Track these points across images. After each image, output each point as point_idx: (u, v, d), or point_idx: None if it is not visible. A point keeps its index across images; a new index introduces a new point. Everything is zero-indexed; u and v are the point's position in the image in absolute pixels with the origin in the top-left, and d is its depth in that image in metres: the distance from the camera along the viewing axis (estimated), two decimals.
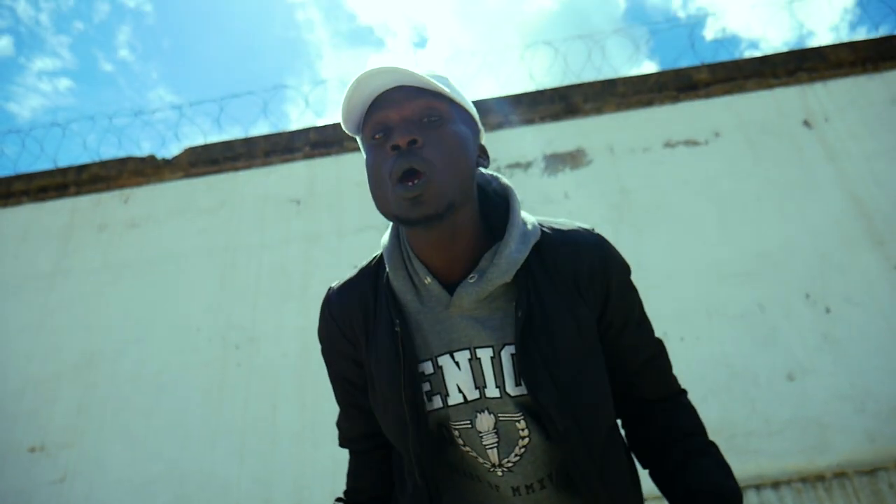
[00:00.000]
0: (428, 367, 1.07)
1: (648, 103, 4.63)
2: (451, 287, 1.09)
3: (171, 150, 4.82)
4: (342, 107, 1.06)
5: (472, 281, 1.06)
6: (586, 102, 4.64)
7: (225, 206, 4.61)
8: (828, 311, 3.63)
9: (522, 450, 1.07)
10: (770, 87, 4.56)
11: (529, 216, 1.16)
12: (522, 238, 1.09)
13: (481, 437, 1.06)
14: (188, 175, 4.79)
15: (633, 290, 1.21)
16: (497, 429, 1.06)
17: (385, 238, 1.19)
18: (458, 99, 1.09)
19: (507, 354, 1.05)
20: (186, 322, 4.16)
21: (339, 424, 1.34)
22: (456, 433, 1.08)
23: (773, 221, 3.97)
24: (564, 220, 1.21)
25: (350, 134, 1.20)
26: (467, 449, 1.09)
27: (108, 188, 4.81)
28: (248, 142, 4.86)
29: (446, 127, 1.04)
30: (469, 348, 1.06)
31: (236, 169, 4.78)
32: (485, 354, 1.06)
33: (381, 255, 1.20)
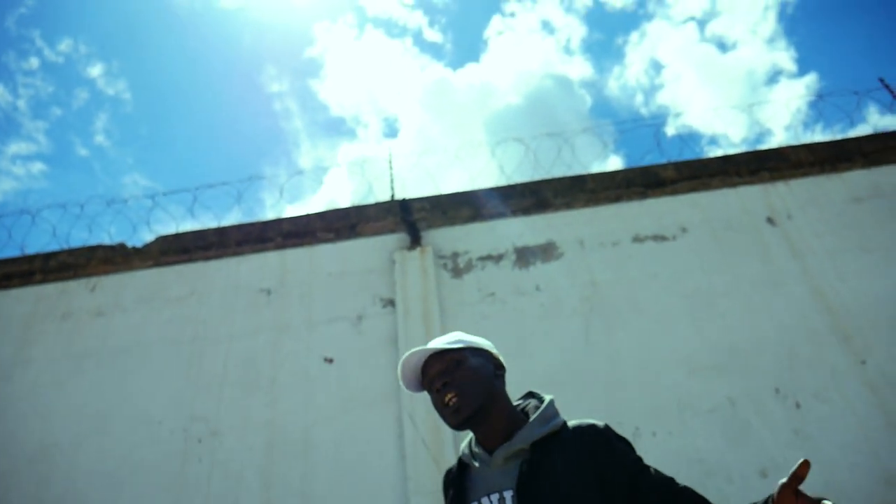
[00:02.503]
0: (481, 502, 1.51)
1: (617, 199, 4.74)
2: (492, 452, 1.56)
3: (143, 238, 4.80)
4: (400, 374, 1.63)
5: (503, 447, 1.52)
6: (556, 197, 4.74)
7: (194, 296, 4.56)
8: (798, 406, 3.62)
9: None
10: (734, 185, 4.70)
11: (560, 417, 1.59)
12: (542, 421, 1.55)
13: None
14: (158, 264, 4.75)
15: (629, 446, 1.55)
16: None
17: (463, 443, 1.72)
18: (470, 345, 1.64)
19: (509, 495, 1.45)
20: (147, 414, 4.03)
21: None
22: None
23: (742, 316, 4.01)
24: (584, 419, 1.60)
25: (410, 391, 1.69)
26: None
27: (76, 276, 4.75)
28: (221, 231, 4.86)
29: (464, 364, 1.58)
30: (499, 492, 1.47)
31: (207, 258, 4.75)
32: (508, 496, 1.45)
33: None
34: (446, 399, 1.54)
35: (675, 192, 4.73)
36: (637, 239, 4.47)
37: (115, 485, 3.78)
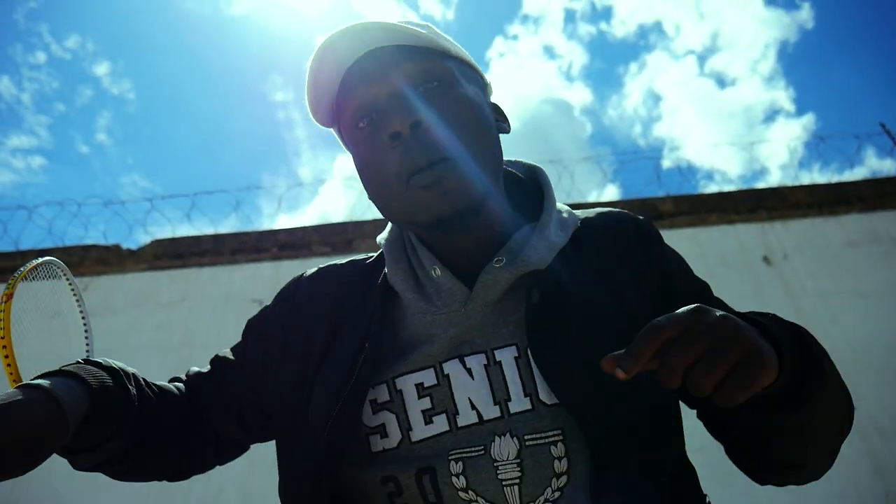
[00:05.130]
0: (429, 378, 0.79)
1: None
2: (466, 279, 0.85)
3: (138, 241, 4.78)
4: (307, 90, 0.86)
5: (498, 265, 0.83)
6: None
7: (185, 302, 4.53)
8: None
9: (558, 493, 0.73)
10: (732, 222, 4.71)
11: (562, 204, 0.97)
12: (561, 224, 0.91)
13: (497, 469, 0.73)
14: (152, 267, 4.73)
15: (680, 259, 1.02)
16: (521, 458, 0.74)
17: (384, 233, 1.00)
18: (454, 51, 0.88)
19: (509, 355, 0.80)
20: None
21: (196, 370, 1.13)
22: (455, 473, 0.74)
23: None
24: (597, 208, 1.01)
25: (323, 126, 0.93)
26: (470, 496, 0.74)
27: None
28: (217, 238, 4.84)
29: (452, 92, 0.83)
30: (485, 351, 0.80)
31: (201, 265, 4.73)
32: (506, 355, 0.79)
33: (380, 252, 0.99)
34: (418, 165, 0.78)
35: (672, 226, 4.73)
36: None
37: (94, 488, 3.72)
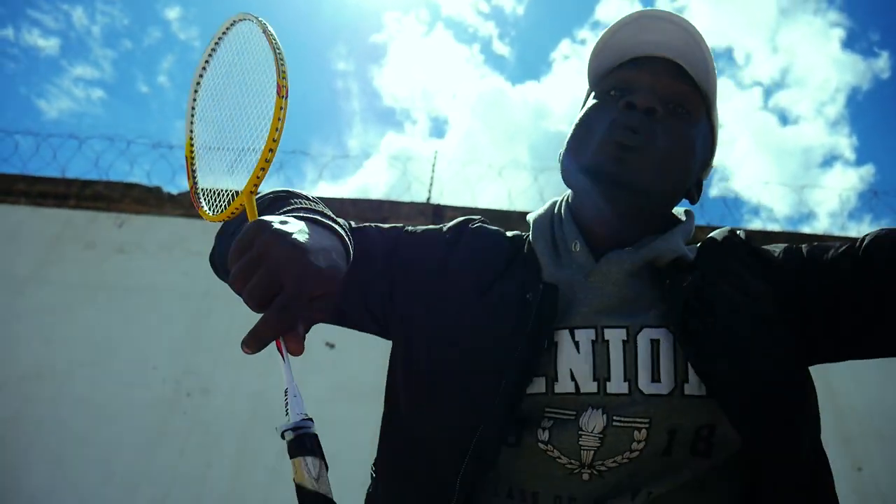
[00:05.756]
0: (545, 341, 0.85)
1: None
2: (599, 259, 0.92)
3: (179, 186, 4.86)
4: (594, 49, 0.96)
5: (627, 249, 0.91)
6: None
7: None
8: None
9: (626, 460, 0.80)
10: None
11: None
12: (686, 233, 1.00)
13: (581, 435, 0.80)
14: (187, 214, 4.81)
15: (782, 248, 1.01)
16: (605, 434, 0.80)
17: (534, 213, 1.06)
18: (714, 110, 0.99)
19: (645, 340, 0.83)
20: (144, 357, 4.08)
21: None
22: (545, 426, 0.82)
23: None
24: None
25: (589, 79, 1.02)
26: (548, 448, 0.81)
27: (108, 209, 4.82)
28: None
29: (690, 128, 0.93)
30: (595, 327, 0.84)
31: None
32: (615, 337, 0.83)
33: (521, 234, 1.06)
34: (632, 127, 0.87)
35: None
36: None
37: (98, 418, 3.83)
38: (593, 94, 0.99)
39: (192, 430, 3.80)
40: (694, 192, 1.03)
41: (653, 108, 0.88)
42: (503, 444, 0.82)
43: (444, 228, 1.06)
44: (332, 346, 4.09)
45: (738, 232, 1.02)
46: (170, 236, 4.68)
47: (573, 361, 0.83)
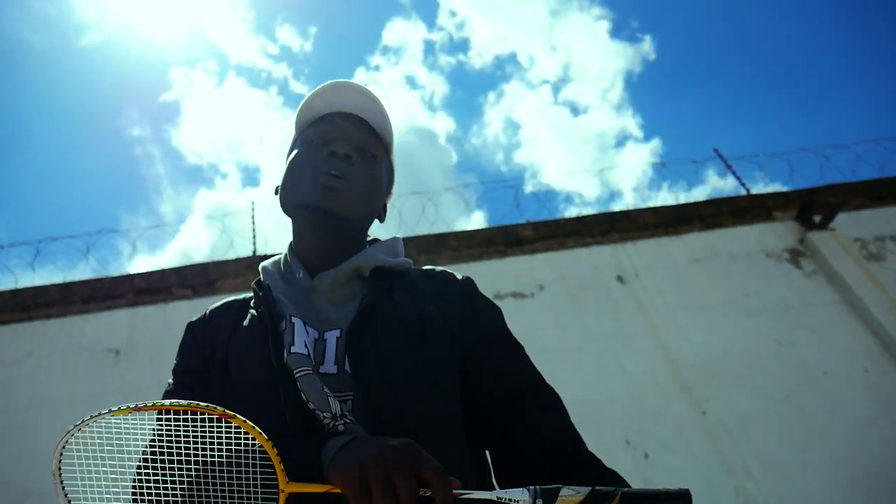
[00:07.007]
0: (281, 325, 1.06)
1: (479, 257, 4.87)
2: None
3: None
4: (302, 104, 1.22)
5: (335, 268, 1.13)
6: (420, 255, 4.81)
7: (32, 357, 4.22)
8: (646, 456, 3.81)
9: (349, 421, 0.95)
10: (587, 244, 4.96)
11: (409, 259, 1.26)
12: (391, 252, 1.23)
13: (322, 385, 0.97)
14: None
15: (497, 308, 1.24)
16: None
17: (264, 262, 1.26)
18: (391, 157, 1.29)
19: (333, 337, 1.07)
20: None
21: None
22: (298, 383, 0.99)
23: (594, 371, 4.19)
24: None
25: (295, 126, 1.27)
26: (308, 401, 0.96)
27: None
28: (65, 287, 4.56)
29: (376, 168, 1.20)
30: (317, 329, 1.07)
31: (48, 317, 4.43)
32: (331, 337, 1.06)
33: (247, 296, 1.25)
34: (334, 170, 1.11)
35: (533, 251, 4.92)
36: (497, 296, 4.59)
37: None
38: (300, 141, 1.22)
39: None
40: (382, 213, 1.29)
41: (349, 155, 1.14)
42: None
43: (184, 337, 1.23)
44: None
45: (464, 278, 1.25)
46: None
47: (306, 337, 1.04)
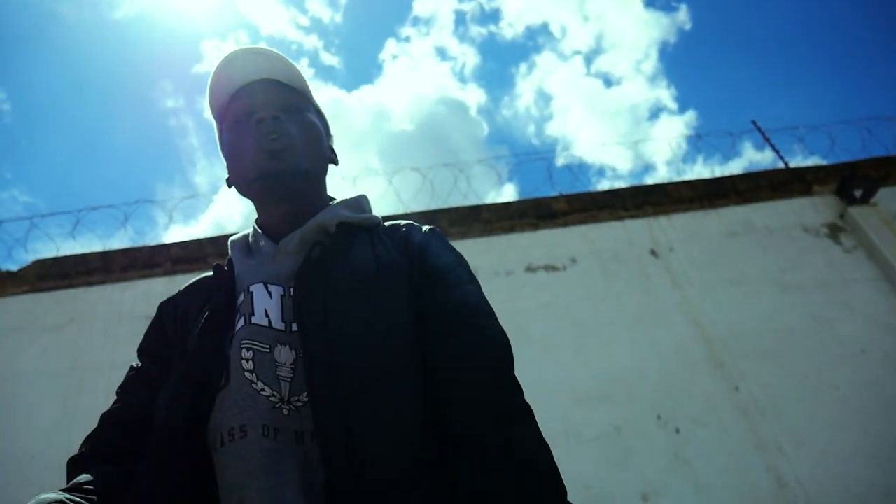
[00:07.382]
0: (240, 298, 1.06)
1: (511, 229, 4.86)
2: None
3: (19, 262, 4.53)
4: (209, 91, 1.19)
5: (298, 230, 1.12)
6: (452, 226, 4.81)
7: (74, 323, 4.33)
8: (677, 431, 3.80)
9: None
10: (621, 218, 4.92)
11: (376, 216, 1.24)
12: (356, 208, 1.21)
13: (276, 367, 0.95)
14: (35, 289, 4.50)
15: (453, 252, 1.19)
16: (295, 367, 0.95)
17: (233, 237, 1.26)
18: (314, 100, 1.25)
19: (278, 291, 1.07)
20: (21, 449, 3.78)
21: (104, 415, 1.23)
22: (247, 358, 0.96)
23: (625, 345, 4.18)
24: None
25: (214, 116, 1.25)
26: (252, 378, 0.94)
27: None
28: (105, 256, 4.66)
29: (306, 115, 1.19)
30: (284, 286, 1.05)
31: (89, 284, 4.54)
32: (278, 291, 1.05)
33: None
34: (270, 134, 1.09)
35: (566, 224, 4.89)
36: (529, 269, 4.59)
37: None
38: (224, 127, 1.20)
39: None
40: (333, 156, 1.27)
41: (276, 116, 1.12)
42: (217, 388, 0.95)
43: (154, 318, 1.27)
44: None
45: (428, 228, 1.22)
46: (20, 316, 4.36)
47: (266, 303, 1.03)
